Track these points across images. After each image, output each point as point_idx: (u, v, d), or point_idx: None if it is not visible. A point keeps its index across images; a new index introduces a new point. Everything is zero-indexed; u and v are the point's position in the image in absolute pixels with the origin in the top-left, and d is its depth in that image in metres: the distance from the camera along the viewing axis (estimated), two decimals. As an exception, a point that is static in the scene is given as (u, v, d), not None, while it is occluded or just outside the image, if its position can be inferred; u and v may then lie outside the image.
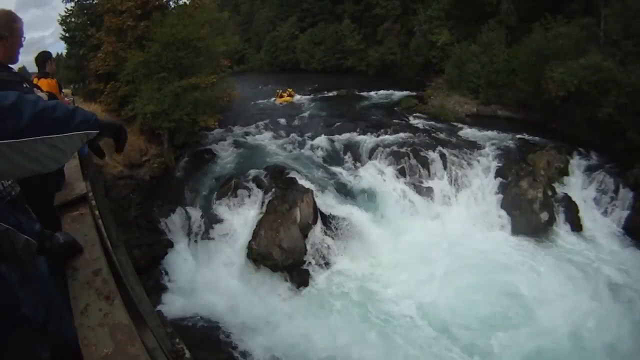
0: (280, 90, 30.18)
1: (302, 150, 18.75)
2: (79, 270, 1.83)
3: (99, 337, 1.44)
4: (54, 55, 6.53)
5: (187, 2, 22.68)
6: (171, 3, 22.52)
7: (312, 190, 14.78)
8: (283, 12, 52.02)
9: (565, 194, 15.56)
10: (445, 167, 16.71)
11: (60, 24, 21.66)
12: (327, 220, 14.47)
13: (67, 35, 21.94)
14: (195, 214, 15.11)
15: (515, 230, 14.70)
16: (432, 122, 21.74)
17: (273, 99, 29.42)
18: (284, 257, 13.00)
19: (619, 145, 16.30)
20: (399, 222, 14.95)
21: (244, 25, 58.05)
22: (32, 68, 6.47)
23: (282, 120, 23.25)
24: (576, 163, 16.69)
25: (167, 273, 13.46)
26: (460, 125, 21.27)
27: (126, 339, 1.42)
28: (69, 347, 1.55)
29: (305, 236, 13.79)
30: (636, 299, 11.51)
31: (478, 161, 16.91)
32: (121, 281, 2.25)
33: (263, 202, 14.71)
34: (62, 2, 21.55)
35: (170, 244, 14.18)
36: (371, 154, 17.85)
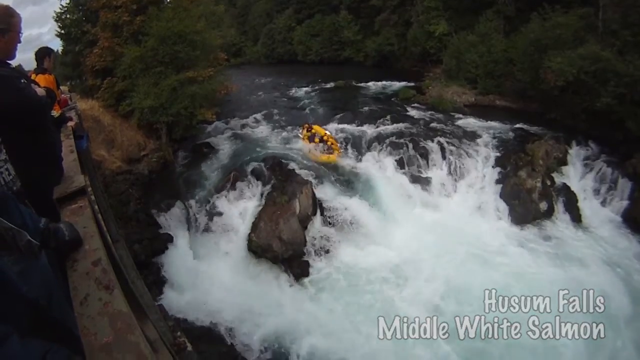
0: (313, 141, 17.80)
1: (301, 142, 18.70)
2: (78, 261, 1.85)
3: (98, 326, 1.46)
4: (50, 52, 6.51)
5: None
6: (166, -3, 22.40)
7: (311, 182, 14.81)
8: (279, 4, 51.76)
9: (564, 183, 15.58)
10: (444, 157, 16.71)
11: (56, 20, 21.58)
12: (327, 211, 14.49)
13: (62, 32, 21.85)
14: (195, 207, 15.11)
15: (514, 220, 14.72)
16: (431, 113, 21.69)
17: (304, 149, 17.92)
18: (283, 248, 13.04)
19: (617, 135, 16.27)
20: (398, 212, 14.96)
21: (240, 18, 57.85)
22: (28, 66, 6.46)
23: (280, 112, 23.23)
24: (575, 153, 16.68)
25: (167, 267, 13.45)
26: (458, 115, 21.23)
27: (125, 327, 1.44)
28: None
29: (305, 227, 13.82)
30: (636, 290, 11.56)
31: (477, 151, 16.91)
32: (122, 275, 2.27)
33: (262, 194, 14.72)
34: (58, -2, 21.47)
35: (170, 238, 14.19)
36: (370, 144, 17.85)
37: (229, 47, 35.53)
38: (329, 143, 17.66)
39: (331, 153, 17.18)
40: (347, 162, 17.21)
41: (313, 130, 18.41)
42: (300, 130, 19.15)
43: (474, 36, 25.37)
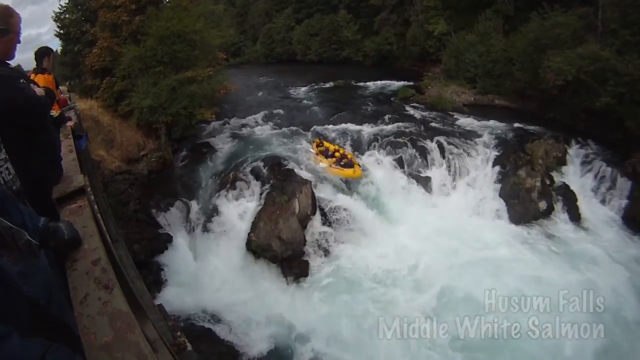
0: (329, 156, 16.66)
1: (301, 141, 18.72)
2: (78, 261, 1.85)
3: (98, 325, 1.45)
4: (49, 52, 6.49)
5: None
6: (165, -4, 22.41)
7: (310, 181, 14.79)
8: (278, 3, 51.77)
9: (564, 183, 15.60)
10: (443, 157, 16.72)
11: (55, 20, 21.55)
12: (326, 211, 14.48)
13: (61, 31, 21.82)
14: (194, 207, 15.13)
15: (514, 219, 14.73)
16: (430, 112, 21.73)
17: (323, 165, 16.38)
18: (283, 248, 13.04)
19: (617, 135, 16.34)
20: (398, 212, 14.97)
21: (239, 17, 57.80)
22: (28, 66, 6.46)
23: (280, 112, 23.22)
24: (574, 152, 16.68)
25: (167, 267, 13.46)
26: (457, 114, 21.24)
27: (125, 326, 1.44)
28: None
29: (304, 227, 13.81)
30: (635, 288, 11.56)
31: (476, 150, 16.92)
32: (121, 274, 2.27)
33: (261, 194, 14.68)
34: (57, -2, 21.45)
35: (170, 238, 14.19)
36: (369, 144, 17.88)
37: (228, 47, 35.44)
38: (349, 157, 16.59)
39: (351, 167, 15.96)
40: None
41: (326, 145, 17.61)
42: (311, 146, 18.06)
43: (473, 35, 25.37)
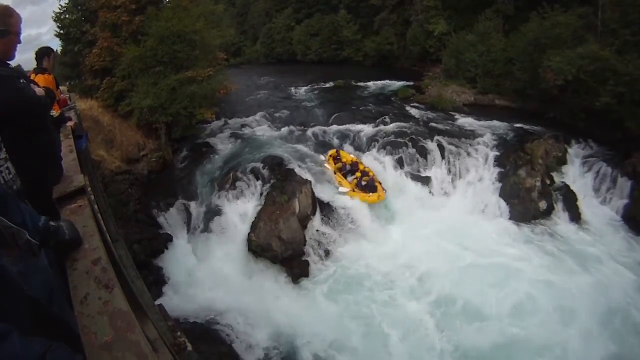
0: (349, 174, 15.82)
1: (301, 141, 18.72)
2: (78, 260, 1.85)
3: (98, 325, 1.45)
4: (50, 52, 6.49)
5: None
6: (165, -4, 22.45)
7: (310, 181, 14.79)
8: (278, 3, 51.73)
9: (564, 182, 15.59)
10: (443, 157, 16.71)
11: (55, 20, 21.59)
12: (326, 211, 14.49)
13: (61, 32, 21.85)
14: (195, 207, 15.12)
15: (514, 219, 14.72)
16: (430, 112, 21.72)
17: (343, 189, 15.06)
18: (283, 248, 13.03)
19: (617, 135, 16.34)
20: (398, 212, 14.96)
21: (239, 17, 57.85)
22: (28, 66, 6.45)
23: (280, 112, 23.20)
24: (574, 152, 16.68)
25: (167, 267, 13.46)
26: (457, 114, 21.22)
27: (125, 325, 1.44)
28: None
29: (305, 227, 13.81)
30: (634, 287, 11.56)
31: (476, 150, 16.91)
32: (121, 274, 2.27)
33: (262, 194, 14.69)
34: (57, -2, 21.49)
35: (170, 238, 14.20)
36: (370, 143, 17.89)
37: (228, 47, 35.47)
38: (370, 174, 15.50)
39: (374, 189, 14.73)
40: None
41: (343, 157, 16.68)
42: (326, 158, 16.79)
43: (473, 35, 25.35)
